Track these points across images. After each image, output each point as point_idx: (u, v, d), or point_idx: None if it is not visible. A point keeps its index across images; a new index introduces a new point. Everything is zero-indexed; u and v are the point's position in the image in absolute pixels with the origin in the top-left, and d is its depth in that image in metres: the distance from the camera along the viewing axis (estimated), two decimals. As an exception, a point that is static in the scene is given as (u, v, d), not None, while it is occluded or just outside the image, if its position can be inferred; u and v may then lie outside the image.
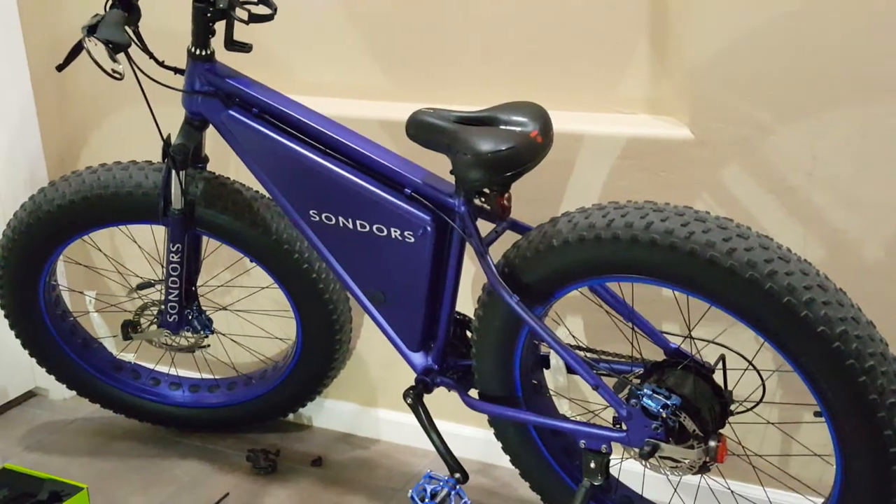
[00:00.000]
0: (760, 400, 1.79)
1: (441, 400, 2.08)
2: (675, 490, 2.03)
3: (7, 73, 2.55)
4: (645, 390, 1.75)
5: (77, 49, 1.99)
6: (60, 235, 2.30)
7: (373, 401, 2.55)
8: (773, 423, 2.01)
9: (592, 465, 1.85)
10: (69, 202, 2.22)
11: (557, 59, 2.10)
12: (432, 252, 1.89)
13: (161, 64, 2.03)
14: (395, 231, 1.90)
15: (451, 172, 1.80)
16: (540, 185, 1.95)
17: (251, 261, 2.29)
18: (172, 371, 2.59)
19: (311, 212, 1.99)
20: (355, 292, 2.03)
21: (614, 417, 1.81)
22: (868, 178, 1.86)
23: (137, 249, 2.49)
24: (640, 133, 2.02)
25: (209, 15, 1.95)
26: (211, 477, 2.41)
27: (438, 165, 1.87)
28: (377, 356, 2.48)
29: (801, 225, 1.93)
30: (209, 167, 2.20)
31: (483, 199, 1.84)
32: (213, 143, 2.12)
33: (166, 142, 2.08)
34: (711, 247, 1.62)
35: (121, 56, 1.90)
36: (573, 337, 2.12)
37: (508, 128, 1.77)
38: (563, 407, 2.12)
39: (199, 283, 2.33)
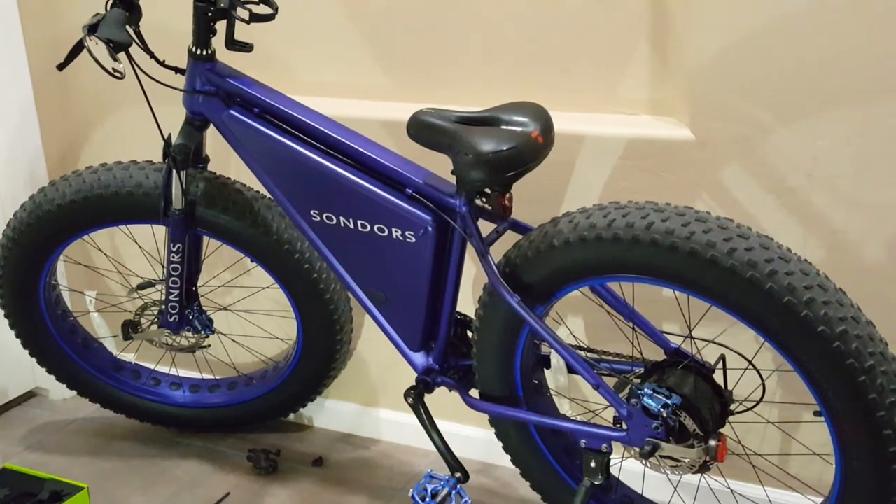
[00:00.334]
0: (760, 399, 1.80)
1: (442, 400, 2.08)
2: (676, 489, 2.03)
3: (7, 73, 2.54)
4: (645, 390, 1.75)
5: (78, 48, 1.99)
6: (61, 235, 2.30)
7: (374, 401, 2.55)
8: (772, 423, 2.02)
9: (593, 464, 1.85)
10: (69, 202, 2.22)
11: (558, 59, 2.11)
12: (433, 252, 1.89)
13: (162, 63, 2.03)
14: (397, 231, 1.90)
15: (453, 173, 1.80)
16: (541, 186, 1.95)
17: (252, 261, 2.29)
18: (173, 371, 2.59)
19: (312, 212, 1.99)
20: (356, 292, 2.03)
21: (615, 417, 1.81)
22: (868, 178, 1.86)
23: (138, 249, 2.49)
24: (640, 133, 2.02)
25: (210, 14, 1.95)
26: (211, 477, 2.41)
27: (439, 166, 1.87)
28: (378, 356, 2.48)
29: (801, 225, 1.93)
30: (210, 167, 2.20)
31: (484, 200, 1.83)
32: (214, 142, 2.13)
33: (167, 141, 2.08)
34: (712, 247, 1.62)
35: (121, 55, 1.90)
36: (574, 337, 2.12)
37: (510, 128, 1.77)
38: (564, 406, 2.12)
39: (199, 284, 2.33)
